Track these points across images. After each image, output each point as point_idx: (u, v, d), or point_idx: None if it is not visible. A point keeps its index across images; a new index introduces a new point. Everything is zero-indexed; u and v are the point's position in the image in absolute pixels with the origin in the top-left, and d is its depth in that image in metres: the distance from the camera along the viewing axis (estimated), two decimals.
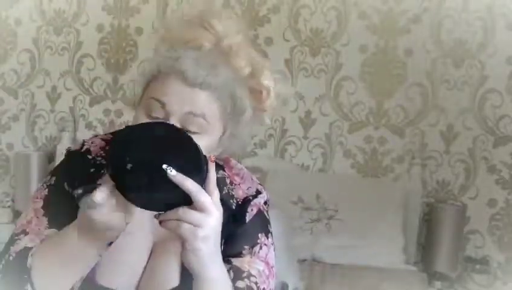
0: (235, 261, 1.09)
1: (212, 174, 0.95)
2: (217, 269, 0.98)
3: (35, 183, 3.01)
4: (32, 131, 3.29)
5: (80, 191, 0.97)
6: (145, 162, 0.89)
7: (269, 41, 3.00)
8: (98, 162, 1.12)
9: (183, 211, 0.91)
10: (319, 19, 2.95)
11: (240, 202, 1.14)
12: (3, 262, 1.02)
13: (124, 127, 0.96)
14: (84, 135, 2.98)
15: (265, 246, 1.13)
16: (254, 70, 1.09)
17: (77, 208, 1.00)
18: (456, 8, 2.82)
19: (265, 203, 1.18)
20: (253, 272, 1.08)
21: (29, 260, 0.99)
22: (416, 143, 2.90)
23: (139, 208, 0.94)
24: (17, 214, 3.14)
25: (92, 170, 1.11)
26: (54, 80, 3.24)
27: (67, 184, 1.11)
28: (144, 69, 1.10)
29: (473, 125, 2.84)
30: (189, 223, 0.91)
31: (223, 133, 1.08)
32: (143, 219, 1.06)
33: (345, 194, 2.76)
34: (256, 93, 1.10)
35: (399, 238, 2.67)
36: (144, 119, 1.03)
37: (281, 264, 2.28)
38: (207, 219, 0.92)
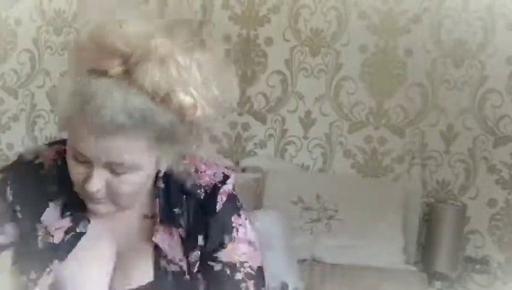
0: (223, 257, 1.09)
1: None
2: None
3: None
4: (32, 131, 3.29)
5: None
6: None
7: (269, 41, 3.00)
8: (49, 179, 1.09)
9: None
10: (319, 19, 2.95)
11: (208, 191, 1.10)
12: None
13: None
14: None
15: (240, 226, 1.12)
16: (170, 90, 0.94)
17: (14, 216, 1.06)
18: (456, 8, 2.82)
19: (233, 187, 1.15)
20: (242, 259, 1.10)
21: None
22: (416, 143, 2.90)
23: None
24: None
25: (40, 184, 1.08)
26: (54, 80, 3.24)
27: (11, 192, 1.08)
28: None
29: (473, 125, 2.84)
30: None
31: (159, 160, 1.02)
32: (99, 230, 1.07)
33: (345, 194, 2.76)
34: (180, 110, 0.95)
35: (399, 238, 2.67)
36: (72, 162, 1.00)
37: (281, 264, 2.29)
38: None
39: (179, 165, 1.05)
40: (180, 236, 1.09)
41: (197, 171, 1.12)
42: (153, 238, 1.07)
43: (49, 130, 3.25)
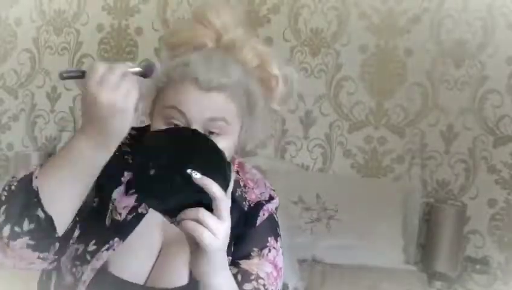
0: (243, 264, 1.10)
1: (231, 184, 0.93)
2: (223, 275, 0.96)
3: None
4: (32, 131, 3.29)
5: (64, 74, 0.93)
6: (168, 167, 0.88)
7: (269, 41, 2.99)
8: (124, 151, 1.11)
9: (204, 214, 0.89)
10: (319, 19, 2.95)
11: (252, 205, 1.15)
12: (5, 193, 0.97)
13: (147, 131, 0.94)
14: None
15: (274, 249, 1.14)
16: (261, 61, 1.09)
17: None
18: (456, 8, 2.82)
19: (276, 208, 1.20)
20: (261, 275, 1.09)
21: (35, 182, 0.95)
22: (416, 143, 2.90)
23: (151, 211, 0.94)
24: None
25: (116, 153, 1.08)
26: (53, 80, 3.24)
27: None
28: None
29: (473, 125, 2.84)
30: (208, 228, 0.89)
31: (241, 129, 1.09)
32: (153, 220, 1.07)
33: (345, 194, 2.76)
34: (266, 82, 1.10)
35: (399, 238, 2.67)
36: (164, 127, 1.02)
37: None
38: (223, 227, 0.90)
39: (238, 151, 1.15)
40: None
41: (245, 186, 1.18)
42: None
43: (49, 130, 3.25)
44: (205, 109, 1.02)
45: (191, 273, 1.08)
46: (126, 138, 1.08)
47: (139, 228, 1.07)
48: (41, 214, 0.94)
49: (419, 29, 2.86)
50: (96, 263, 1.05)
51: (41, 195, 0.94)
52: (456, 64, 2.85)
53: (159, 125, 1.04)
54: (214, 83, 1.01)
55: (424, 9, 2.85)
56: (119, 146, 1.05)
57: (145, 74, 0.96)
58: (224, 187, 0.90)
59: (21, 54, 3.27)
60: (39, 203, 0.94)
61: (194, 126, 1.01)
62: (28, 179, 0.96)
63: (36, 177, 0.96)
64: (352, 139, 2.96)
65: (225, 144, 1.03)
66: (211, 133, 1.03)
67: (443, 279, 2.75)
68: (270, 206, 1.17)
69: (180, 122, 1.02)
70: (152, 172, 0.88)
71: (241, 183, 1.17)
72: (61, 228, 0.98)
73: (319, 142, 2.99)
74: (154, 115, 1.06)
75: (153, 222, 1.09)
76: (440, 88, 2.87)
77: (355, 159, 2.96)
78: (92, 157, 0.95)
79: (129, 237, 1.07)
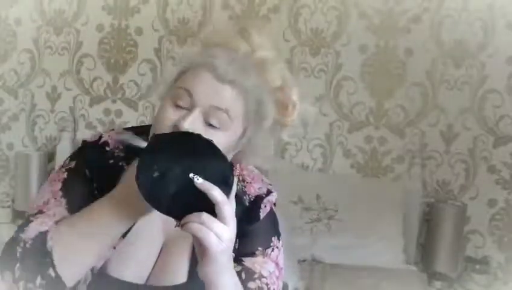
0: (247, 262, 1.11)
1: (234, 187, 0.95)
2: (228, 275, 0.99)
3: (35, 183, 3.00)
4: (32, 131, 3.29)
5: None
6: (172, 170, 0.91)
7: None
8: (116, 154, 1.13)
9: (208, 218, 0.91)
10: (319, 19, 2.95)
11: (252, 199, 1.16)
12: (20, 250, 1.01)
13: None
14: (84, 135, 2.99)
15: (277, 248, 1.16)
16: (284, 85, 1.10)
17: (93, 193, 1.06)
18: (456, 8, 2.82)
19: (274, 204, 1.21)
20: (264, 273, 1.11)
21: (50, 243, 1.00)
22: (416, 143, 2.90)
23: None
24: (17, 214, 3.13)
25: (110, 161, 1.12)
26: (54, 80, 3.24)
27: (88, 171, 1.12)
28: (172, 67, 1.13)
29: (473, 125, 2.85)
30: (213, 231, 0.91)
31: (242, 135, 1.09)
32: (154, 218, 1.08)
33: (345, 194, 2.76)
34: (282, 106, 1.11)
35: (399, 238, 2.67)
36: (170, 108, 1.04)
37: None
38: (226, 230, 0.92)
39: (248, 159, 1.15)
40: None
41: (243, 181, 1.19)
42: None
43: (49, 130, 3.25)
44: (212, 95, 1.03)
45: (189, 271, 1.10)
46: (119, 145, 1.13)
47: (139, 229, 1.08)
48: (52, 273, 0.99)
49: (419, 29, 2.86)
50: (97, 263, 1.07)
51: (54, 257, 0.99)
52: (456, 64, 2.85)
53: (167, 103, 1.05)
54: (229, 77, 1.03)
55: (424, 9, 2.85)
56: (111, 151, 1.11)
57: None
58: (227, 191, 0.92)
59: (21, 54, 3.26)
60: (51, 264, 0.99)
61: (196, 110, 1.02)
62: (43, 239, 1.00)
63: (51, 237, 1.00)
64: (352, 139, 2.96)
65: (222, 139, 1.03)
66: (210, 126, 1.03)
67: (443, 279, 2.75)
68: (270, 199, 1.18)
69: (185, 104, 1.04)
70: (156, 174, 0.91)
71: (240, 178, 1.18)
72: (71, 282, 1.02)
73: (319, 142, 2.99)
74: (166, 96, 1.08)
75: (154, 221, 1.10)
76: (440, 88, 2.87)
77: (355, 159, 2.96)
78: (111, 225, 1.00)
79: (130, 237, 1.08)
